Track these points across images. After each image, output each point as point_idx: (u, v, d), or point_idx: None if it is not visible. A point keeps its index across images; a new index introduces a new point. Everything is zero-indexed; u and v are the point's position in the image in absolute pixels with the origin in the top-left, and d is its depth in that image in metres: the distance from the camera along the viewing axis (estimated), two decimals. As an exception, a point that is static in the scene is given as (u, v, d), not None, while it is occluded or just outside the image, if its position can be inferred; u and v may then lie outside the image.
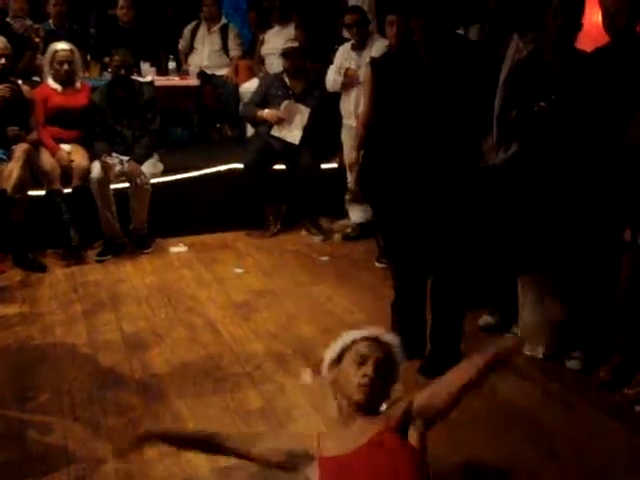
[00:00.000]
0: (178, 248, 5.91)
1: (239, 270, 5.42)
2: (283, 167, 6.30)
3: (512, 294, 4.00)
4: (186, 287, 5.11)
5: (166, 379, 3.75)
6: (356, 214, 6.20)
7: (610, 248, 3.57)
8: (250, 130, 6.98)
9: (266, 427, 3.27)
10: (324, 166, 6.30)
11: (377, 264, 5.41)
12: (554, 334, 3.91)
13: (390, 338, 2.73)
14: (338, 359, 2.69)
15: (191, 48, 7.82)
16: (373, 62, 4.67)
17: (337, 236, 6.20)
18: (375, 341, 2.67)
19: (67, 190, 5.65)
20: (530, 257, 3.78)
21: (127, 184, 5.80)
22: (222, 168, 6.41)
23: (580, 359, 3.79)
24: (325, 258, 5.69)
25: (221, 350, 4.07)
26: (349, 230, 6.22)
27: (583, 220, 3.60)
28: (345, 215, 6.39)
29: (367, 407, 2.57)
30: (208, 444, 2.69)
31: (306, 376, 3.05)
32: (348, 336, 2.72)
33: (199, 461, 3.00)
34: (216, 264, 5.58)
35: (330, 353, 2.73)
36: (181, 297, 4.90)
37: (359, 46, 5.91)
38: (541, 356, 3.90)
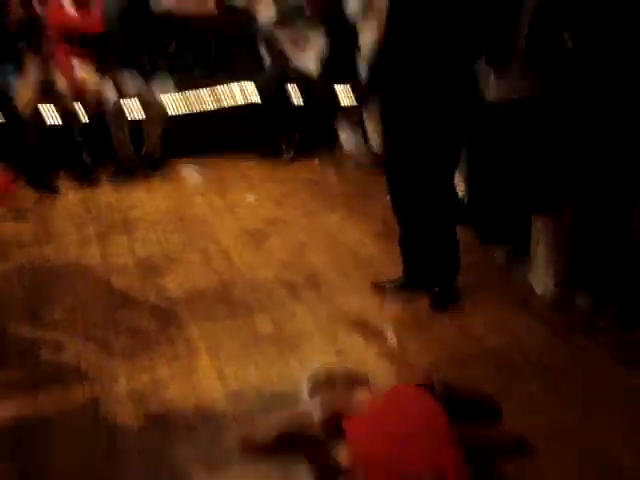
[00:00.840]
0: (191, 174, 5.90)
1: (251, 198, 5.43)
2: (299, 97, 6.23)
3: (525, 231, 3.98)
4: (199, 213, 5.11)
5: (179, 303, 3.79)
6: (345, 135, 6.24)
7: (627, 191, 3.53)
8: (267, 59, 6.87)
9: (276, 351, 3.31)
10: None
11: (389, 196, 5.37)
12: (565, 273, 3.90)
13: None
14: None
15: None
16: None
17: (351, 166, 6.16)
18: None
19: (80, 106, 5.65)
20: (546, 196, 3.76)
21: (142, 113, 5.80)
22: (239, 100, 6.36)
23: (590, 298, 3.79)
24: (338, 188, 5.67)
25: (233, 276, 4.10)
26: (362, 161, 6.18)
27: (603, 160, 3.55)
28: (336, 137, 6.40)
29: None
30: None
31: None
32: None
33: (211, 383, 3.06)
34: (229, 191, 5.57)
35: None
36: (194, 223, 4.91)
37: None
38: (551, 294, 3.90)
